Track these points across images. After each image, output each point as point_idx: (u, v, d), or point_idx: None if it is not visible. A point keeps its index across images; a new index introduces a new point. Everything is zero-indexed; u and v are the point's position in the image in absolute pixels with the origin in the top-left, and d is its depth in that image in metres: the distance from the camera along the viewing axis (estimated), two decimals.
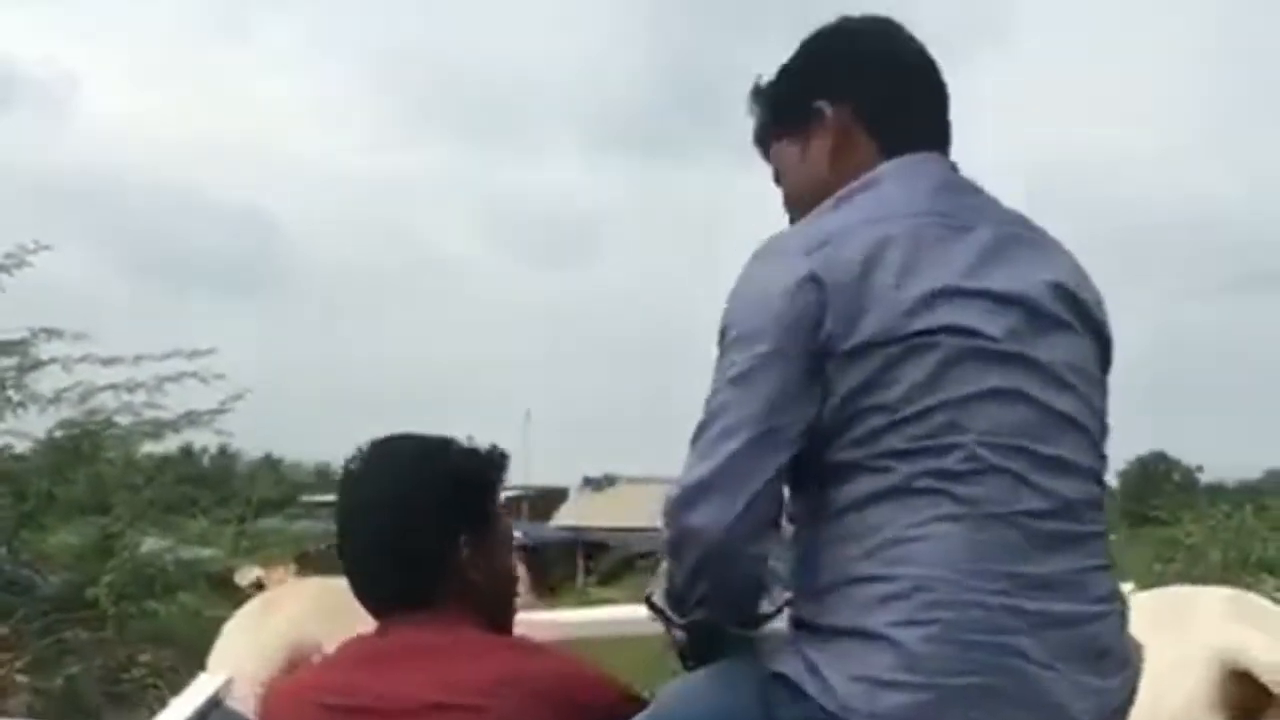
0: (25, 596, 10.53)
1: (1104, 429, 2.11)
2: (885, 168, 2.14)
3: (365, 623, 3.24)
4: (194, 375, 11.16)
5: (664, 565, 2.11)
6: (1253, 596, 4.01)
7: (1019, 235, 2.09)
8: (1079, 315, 2.09)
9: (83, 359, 11.03)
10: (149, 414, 11.21)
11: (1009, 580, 1.90)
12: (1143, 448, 49.41)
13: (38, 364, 11.05)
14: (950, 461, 1.92)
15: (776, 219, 2.29)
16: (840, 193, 2.11)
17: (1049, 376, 2.00)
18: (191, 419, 11.46)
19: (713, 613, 2.05)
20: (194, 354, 11.20)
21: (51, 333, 11.07)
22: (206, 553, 12.19)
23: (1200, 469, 48.69)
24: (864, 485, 1.94)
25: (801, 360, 1.94)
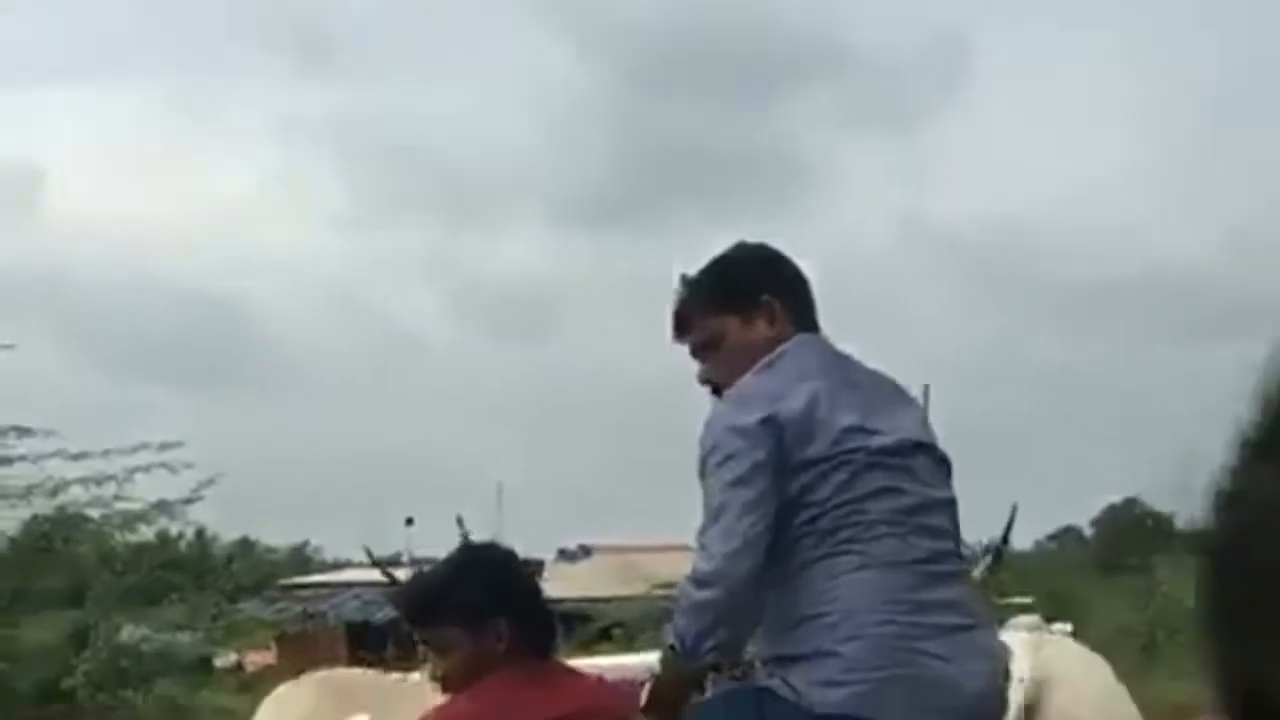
0: (2, 693, 10.47)
1: (953, 508, 3.11)
2: (789, 345, 3.10)
3: (361, 707, 4.06)
4: (163, 466, 11.17)
5: (669, 625, 3.04)
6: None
7: (886, 391, 3.13)
8: (930, 446, 3.11)
9: (53, 454, 11.02)
10: (120, 506, 11.18)
11: (909, 604, 2.86)
12: (1116, 495, 49.51)
13: (8, 460, 11.04)
14: (859, 531, 2.88)
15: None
16: (762, 361, 3.07)
17: (919, 477, 3.01)
18: (163, 509, 11.43)
19: (724, 653, 3.00)
20: (163, 446, 11.21)
21: (21, 430, 11.07)
22: (184, 639, 12.13)
23: (1174, 514, 48.69)
24: (807, 554, 2.90)
25: (772, 471, 2.88)
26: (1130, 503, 49.84)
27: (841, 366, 3.13)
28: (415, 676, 4.76)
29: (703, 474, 2.97)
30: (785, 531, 2.90)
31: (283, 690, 4.50)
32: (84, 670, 10.53)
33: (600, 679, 3.55)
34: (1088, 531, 48.31)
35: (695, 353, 3.24)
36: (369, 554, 6.53)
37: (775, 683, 2.88)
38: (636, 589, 20.44)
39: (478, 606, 3.25)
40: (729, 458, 2.91)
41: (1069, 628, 6.37)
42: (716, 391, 3.17)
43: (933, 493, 3.04)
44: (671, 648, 2.96)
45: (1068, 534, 46.89)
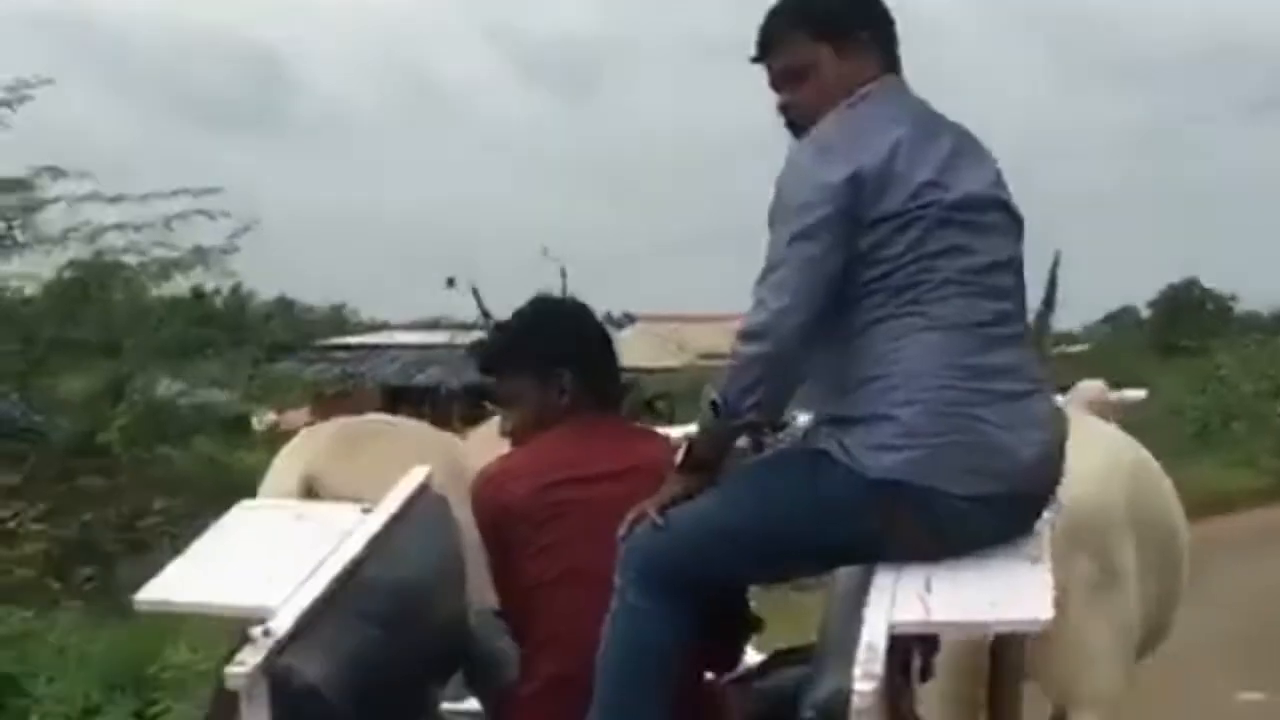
0: (38, 444, 10.40)
1: (1020, 269, 3.03)
2: (875, 87, 3.01)
3: (371, 458, 3.97)
4: (202, 213, 10.84)
5: (709, 387, 2.89)
6: None
7: (964, 144, 3.00)
8: (1004, 202, 3.02)
9: (87, 197, 10.72)
10: (157, 253, 10.91)
11: (971, 370, 2.82)
12: (1175, 275, 48.81)
13: (42, 203, 10.75)
14: (926, 291, 2.83)
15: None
16: (852, 99, 2.98)
17: (991, 235, 2.93)
18: (200, 256, 11.11)
19: (766, 411, 2.91)
20: (201, 192, 10.89)
21: (55, 171, 10.74)
22: (220, 396, 12.01)
23: (1235, 297, 47.92)
24: (872, 313, 2.84)
25: (841, 227, 2.81)
26: (1190, 284, 49.46)
27: (924, 115, 3.03)
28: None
29: (771, 220, 2.90)
30: (851, 288, 2.85)
31: (297, 441, 4.57)
32: (119, 424, 10.42)
33: (665, 438, 3.51)
34: (1145, 313, 47.88)
35: (777, 80, 3.12)
36: (476, 296, 6.29)
37: (831, 445, 2.85)
38: (680, 359, 20.38)
39: (543, 358, 3.36)
40: (800, 208, 2.84)
41: (1142, 394, 6.12)
42: (791, 125, 3.08)
43: (1002, 252, 2.97)
44: (713, 404, 2.87)
45: (1125, 314, 46.48)
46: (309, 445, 4.45)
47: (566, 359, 3.35)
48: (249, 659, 2.74)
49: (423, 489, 3.50)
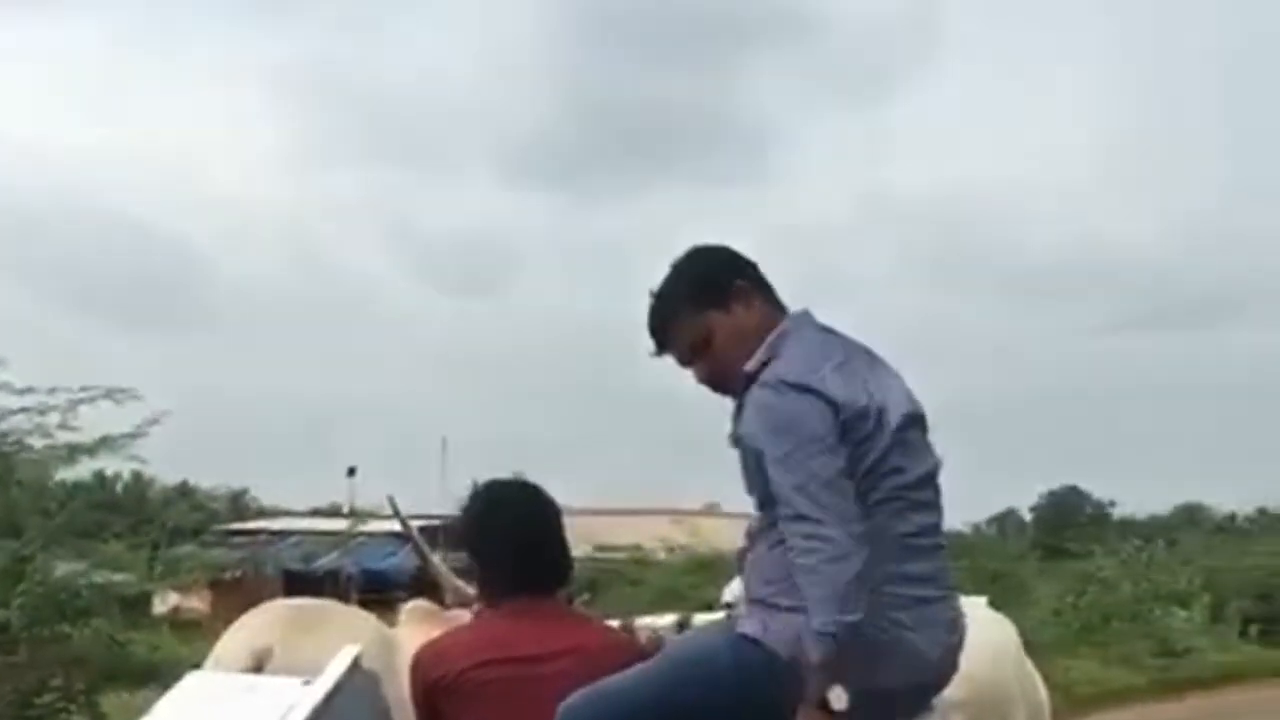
0: None
1: (936, 476, 3.28)
2: (788, 325, 3.27)
3: (316, 635, 4.21)
4: (107, 396, 10.94)
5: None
6: None
7: (877, 365, 3.26)
8: (921, 416, 3.28)
9: None
10: (63, 437, 11.00)
11: (891, 577, 3.06)
12: (1055, 482, 49.86)
13: None
14: (863, 507, 3.05)
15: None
16: (770, 339, 3.23)
17: (917, 453, 3.22)
18: (107, 443, 11.21)
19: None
20: (111, 391, 11.02)
21: None
22: (119, 577, 11.95)
23: (1113, 504, 49.02)
24: None
25: (835, 447, 3.05)
26: (1070, 490, 50.55)
27: (841, 342, 3.28)
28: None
29: (774, 458, 3.06)
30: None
31: (247, 617, 4.66)
32: (19, 604, 10.35)
33: (600, 623, 3.78)
34: (1027, 516, 48.76)
35: (685, 360, 3.34)
36: (392, 504, 6.44)
37: (754, 627, 3.11)
38: (577, 551, 20.51)
39: (473, 543, 3.59)
40: (807, 437, 3.05)
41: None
42: (718, 389, 3.31)
43: (926, 465, 3.25)
44: (830, 635, 2.94)
45: (1009, 517, 47.33)
46: (260, 621, 4.59)
47: (490, 543, 3.56)
48: None
49: (354, 665, 3.69)
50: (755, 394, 3.15)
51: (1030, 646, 5.34)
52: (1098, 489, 49.54)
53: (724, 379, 3.29)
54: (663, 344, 3.36)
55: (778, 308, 3.34)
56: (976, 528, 34.37)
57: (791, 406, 3.08)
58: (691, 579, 16.90)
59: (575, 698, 3.18)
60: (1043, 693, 5.21)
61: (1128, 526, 35.95)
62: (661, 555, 22.00)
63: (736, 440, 3.22)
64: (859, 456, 3.09)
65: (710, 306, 3.30)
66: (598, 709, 3.16)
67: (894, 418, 3.16)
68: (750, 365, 3.21)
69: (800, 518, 3.00)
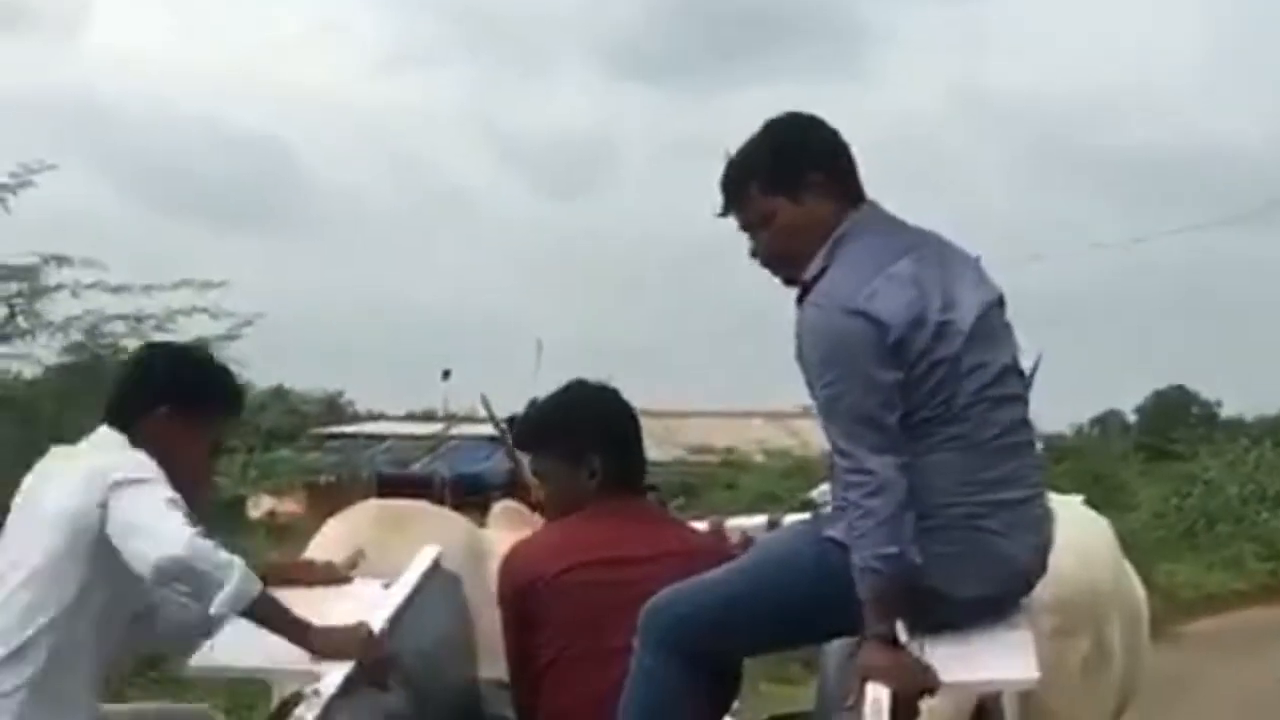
0: None
1: (1018, 362, 3.23)
2: (849, 227, 3.16)
3: (407, 536, 4.16)
4: (204, 311, 10.96)
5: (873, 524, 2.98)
6: None
7: (946, 254, 3.18)
8: (995, 301, 3.19)
9: (92, 285, 10.85)
10: (158, 339, 11.03)
11: (978, 484, 3.03)
12: (1162, 381, 49.01)
13: (46, 290, 10.87)
14: (943, 417, 3.02)
15: None
16: (831, 242, 3.13)
17: (996, 344, 3.12)
18: (201, 346, 11.24)
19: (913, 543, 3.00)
20: (204, 285, 11.01)
21: (60, 259, 10.86)
22: (217, 479, 12.06)
23: (1220, 403, 48.12)
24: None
25: (886, 373, 2.99)
26: (1177, 390, 49.66)
27: (907, 241, 3.18)
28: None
29: (821, 381, 3.05)
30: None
31: (338, 519, 4.69)
32: None
33: (689, 526, 3.74)
34: (1131, 418, 48.03)
35: (744, 227, 3.29)
36: (486, 405, 6.44)
37: (839, 530, 3.04)
38: (669, 454, 20.45)
39: (575, 441, 3.51)
40: (848, 369, 3.01)
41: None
42: (769, 269, 3.27)
43: (1007, 354, 3.18)
44: (874, 570, 2.95)
45: (1111, 417, 46.65)
46: (352, 523, 4.59)
47: (596, 443, 3.51)
48: (306, 715, 2.96)
49: (434, 567, 3.67)
50: (807, 311, 3.13)
51: (1130, 549, 5.21)
52: (1205, 389, 48.75)
53: (778, 264, 3.25)
54: (726, 208, 3.32)
55: (853, 203, 3.24)
56: (1079, 429, 33.70)
57: (838, 331, 3.04)
58: (790, 482, 16.72)
59: (659, 596, 3.15)
60: (1141, 596, 5.05)
61: (1235, 427, 35.13)
62: (759, 458, 21.84)
63: (798, 356, 3.17)
64: (927, 368, 3.03)
65: (782, 191, 3.22)
66: (680, 609, 3.14)
67: (969, 309, 3.09)
68: (808, 273, 3.16)
69: (842, 452, 3.02)
